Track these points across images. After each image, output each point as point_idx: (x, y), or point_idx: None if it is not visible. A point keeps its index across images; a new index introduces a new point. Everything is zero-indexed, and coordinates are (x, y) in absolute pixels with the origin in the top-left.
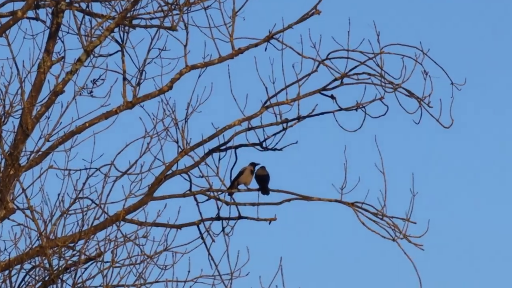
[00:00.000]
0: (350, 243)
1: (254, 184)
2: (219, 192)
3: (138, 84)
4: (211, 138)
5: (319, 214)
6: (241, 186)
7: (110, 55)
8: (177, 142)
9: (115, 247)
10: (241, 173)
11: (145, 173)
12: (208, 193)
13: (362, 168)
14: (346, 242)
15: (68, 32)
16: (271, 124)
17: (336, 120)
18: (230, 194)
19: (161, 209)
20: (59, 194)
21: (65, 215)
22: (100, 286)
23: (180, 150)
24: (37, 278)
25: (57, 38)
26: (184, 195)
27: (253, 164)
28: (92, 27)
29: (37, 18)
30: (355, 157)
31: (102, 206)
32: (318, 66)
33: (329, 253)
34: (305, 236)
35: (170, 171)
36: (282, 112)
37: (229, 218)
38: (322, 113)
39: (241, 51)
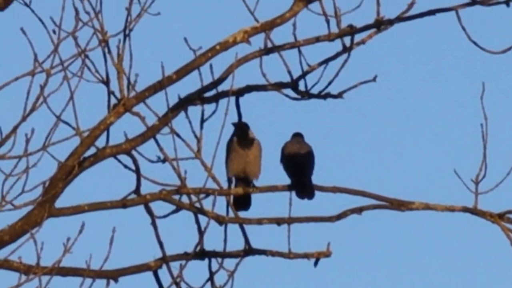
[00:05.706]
0: None
1: (272, 175)
2: (203, 195)
3: None
4: (182, 73)
5: (420, 238)
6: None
7: None
8: (106, 84)
9: None
10: (229, 155)
11: (36, 155)
12: (178, 198)
13: None
14: None
15: None
16: (317, 40)
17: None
18: (232, 203)
19: (74, 235)
20: None
21: None
22: None
23: (115, 101)
24: None
25: None
26: (124, 204)
27: (241, 128)
28: None
29: None
30: (498, 110)
31: None
32: None
33: None
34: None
35: (92, 150)
36: (340, 13)
37: (226, 255)
38: (440, 10)
39: None
